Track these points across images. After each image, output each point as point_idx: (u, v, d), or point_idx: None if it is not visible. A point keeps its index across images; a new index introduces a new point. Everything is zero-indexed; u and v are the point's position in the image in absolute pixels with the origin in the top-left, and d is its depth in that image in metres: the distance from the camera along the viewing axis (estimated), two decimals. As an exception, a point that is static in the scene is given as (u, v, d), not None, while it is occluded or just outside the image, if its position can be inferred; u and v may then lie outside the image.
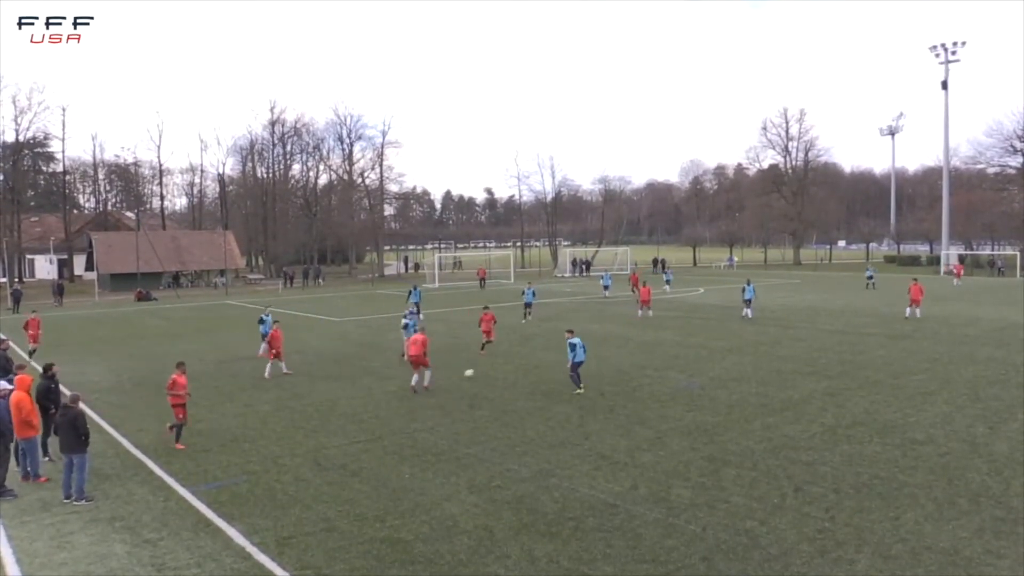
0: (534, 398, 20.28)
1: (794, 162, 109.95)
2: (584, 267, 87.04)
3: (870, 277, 58.67)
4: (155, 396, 21.64)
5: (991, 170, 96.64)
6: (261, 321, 28.80)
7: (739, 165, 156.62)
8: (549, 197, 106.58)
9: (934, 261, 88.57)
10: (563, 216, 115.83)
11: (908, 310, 36.71)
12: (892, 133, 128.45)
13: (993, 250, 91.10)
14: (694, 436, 16.12)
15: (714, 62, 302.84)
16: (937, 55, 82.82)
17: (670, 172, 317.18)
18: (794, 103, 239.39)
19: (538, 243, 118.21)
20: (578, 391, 20.45)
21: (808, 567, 9.77)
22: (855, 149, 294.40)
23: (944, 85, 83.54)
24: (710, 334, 31.92)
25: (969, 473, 13.45)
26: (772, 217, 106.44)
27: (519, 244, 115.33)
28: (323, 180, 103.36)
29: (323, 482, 13.67)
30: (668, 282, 58.08)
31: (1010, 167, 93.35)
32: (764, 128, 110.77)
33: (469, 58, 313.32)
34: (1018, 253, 78.29)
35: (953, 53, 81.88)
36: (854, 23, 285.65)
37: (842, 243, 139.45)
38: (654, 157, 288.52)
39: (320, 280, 78.89)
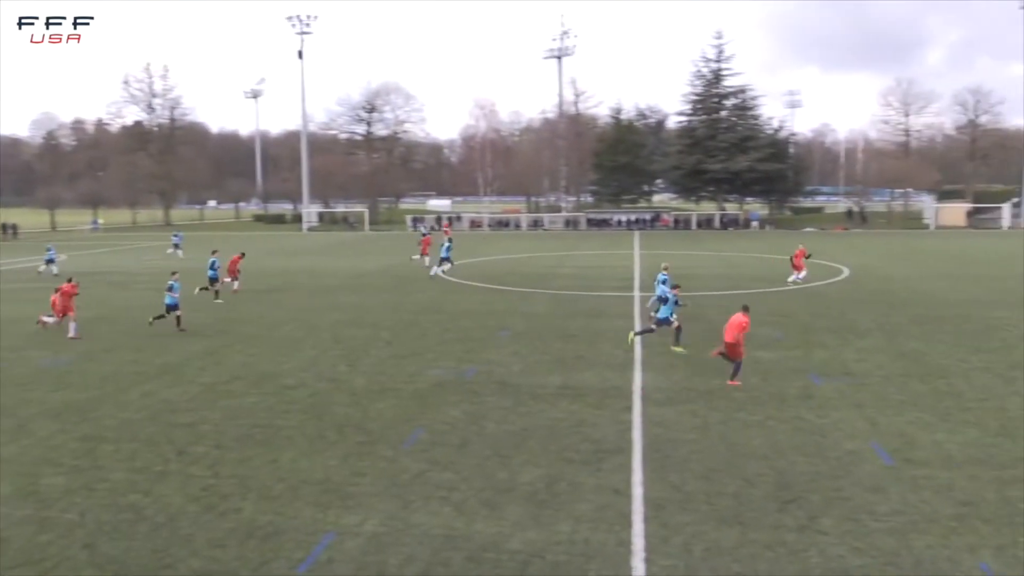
0: None
1: (160, 120, 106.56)
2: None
3: None
4: None
5: (343, 136, 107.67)
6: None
7: (100, 120, 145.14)
8: None
9: (298, 219, 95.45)
10: None
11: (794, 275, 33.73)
12: (255, 96, 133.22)
13: (346, 208, 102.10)
14: (64, 417, 14.72)
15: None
16: (293, 25, 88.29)
17: (18, 125, 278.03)
18: (157, 59, 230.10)
19: None
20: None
21: (196, 526, 9.85)
22: (221, 110, 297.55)
23: (300, 54, 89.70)
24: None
25: (335, 408, 15.06)
26: (139, 177, 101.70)
27: None
28: None
29: None
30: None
31: (357, 134, 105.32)
32: (126, 82, 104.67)
33: None
34: (366, 210, 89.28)
35: (307, 25, 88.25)
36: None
37: (212, 203, 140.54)
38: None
39: None
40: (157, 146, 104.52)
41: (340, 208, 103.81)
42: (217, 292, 29.52)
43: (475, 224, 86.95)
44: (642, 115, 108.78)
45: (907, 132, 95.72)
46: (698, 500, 10.50)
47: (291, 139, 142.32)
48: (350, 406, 15.17)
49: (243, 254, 33.43)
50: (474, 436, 13.30)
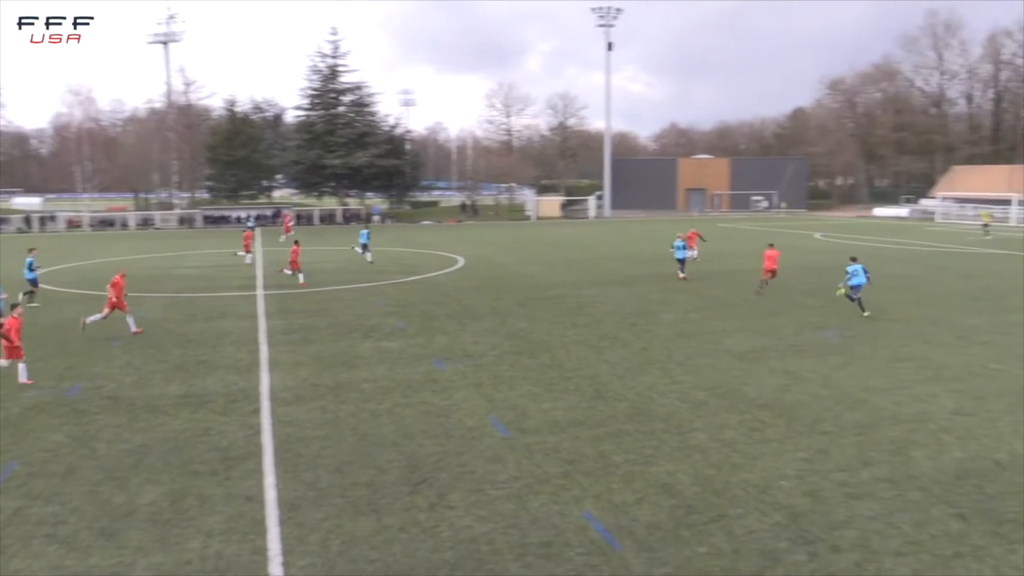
0: None
1: None
2: None
3: None
4: None
5: None
6: None
7: None
8: None
9: None
10: None
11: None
12: None
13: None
14: None
15: None
16: None
17: None
18: None
19: None
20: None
21: None
22: None
23: None
24: None
25: None
26: None
27: None
28: None
29: None
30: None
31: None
32: None
33: None
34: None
35: None
36: None
37: None
38: None
39: None
40: None
41: None
42: (32, 294, 26.26)
43: (73, 224, 77.79)
44: (259, 108, 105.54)
45: (509, 131, 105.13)
46: (333, 494, 10.58)
47: None
48: (-83, 444, 12.75)
49: (297, 242, 33.76)
50: (83, 461, 11.96)
